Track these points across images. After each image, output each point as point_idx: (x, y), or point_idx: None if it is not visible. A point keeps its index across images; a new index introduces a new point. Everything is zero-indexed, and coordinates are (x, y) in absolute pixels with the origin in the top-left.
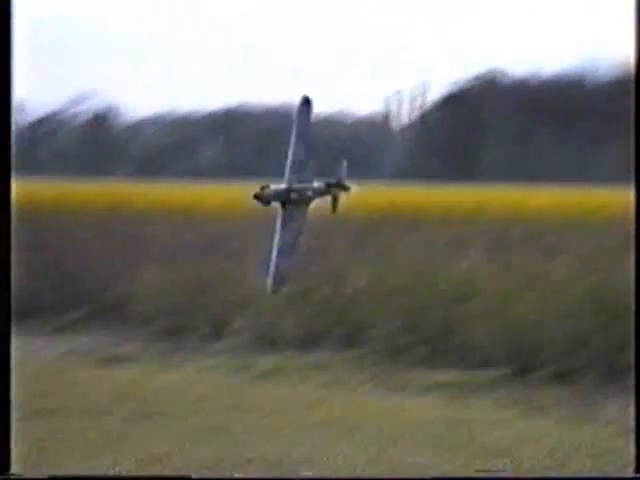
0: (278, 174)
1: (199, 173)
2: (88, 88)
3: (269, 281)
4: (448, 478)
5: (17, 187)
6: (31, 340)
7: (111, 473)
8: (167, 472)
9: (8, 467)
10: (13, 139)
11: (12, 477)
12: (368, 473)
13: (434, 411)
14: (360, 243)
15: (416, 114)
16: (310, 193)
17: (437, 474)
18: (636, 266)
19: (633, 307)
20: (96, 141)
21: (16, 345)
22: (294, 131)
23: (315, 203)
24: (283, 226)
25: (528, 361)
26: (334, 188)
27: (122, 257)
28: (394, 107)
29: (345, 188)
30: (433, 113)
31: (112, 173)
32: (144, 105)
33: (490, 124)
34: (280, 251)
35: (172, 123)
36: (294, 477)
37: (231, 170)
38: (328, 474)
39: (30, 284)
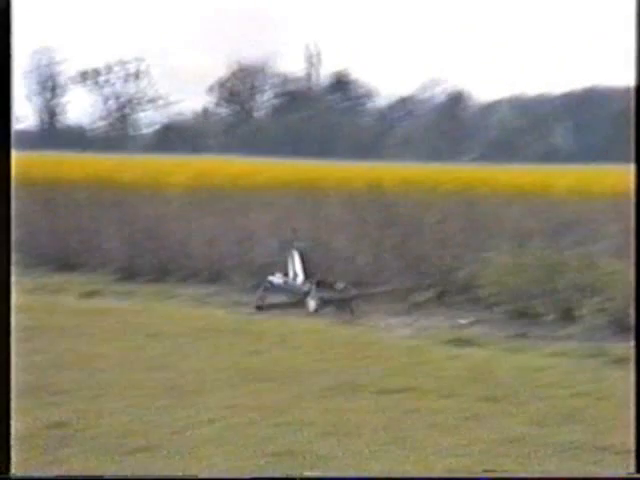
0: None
1: (550, 156)
2: (437, 74)
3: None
4: (447, 478)
5: (365, 170)
6: (382, 319)
7: (465, 452)
8: (521, 454)
9: (8, 468)
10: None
11: (12, 477)
12: None
13: None
14: None
15: None
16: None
17: None
18: (636, 252)
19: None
20: (446, 125)
21: (370, 324)
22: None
23: None
24: None
25: None
26: None
27: (470, 240)
28: None
29: None
30: None
31: (462, 157)
32: (495, 89)
33: None
34: None
35: (523, 106)
36: (295, 476)
37: (583, 153)
38: None
39: (381, 264)
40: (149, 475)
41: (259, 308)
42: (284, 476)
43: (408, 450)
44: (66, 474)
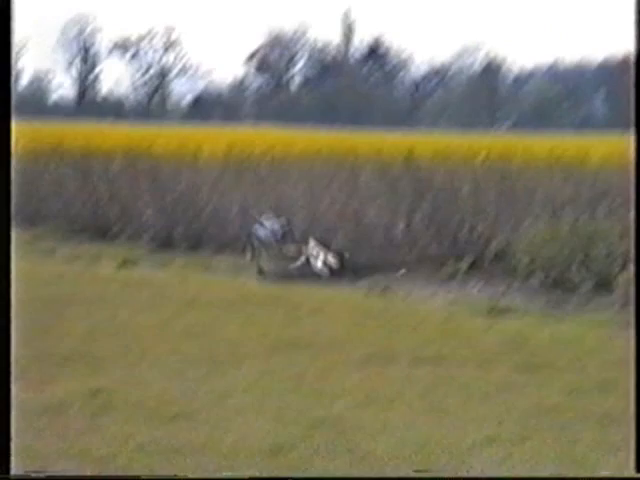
0: None
1: (586, 124)
2: (472, 42)
3: None
4: (448, 478)
5: (399, 140)
6: (416, 289)
7: (500, 421)
8: (557, 424)
9: (8, 468)
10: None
11: (12, 477)
12: None
13: None
14: None
15: None
16: None
17: None
18: (636, 223)
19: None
20: (482, 94)
21: (405, 294)
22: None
23: None
24: None
25: None
26: None
27: (504, 209)
28: None
29: None
30: None
31: (497, 126)
32: (530, 57)
33: None
34: None
35: (560, 74)
36: (292, 477)
37: (619, 121)
38: None
39: (414, 234)
40: (149, 475)
41: (260, 273)
42: (286, 476)
43: (443, 419)
44: (66, 474)
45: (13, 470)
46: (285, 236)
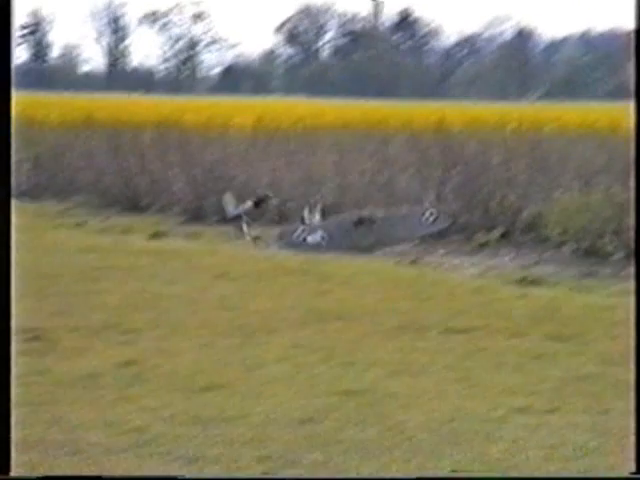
0: None
1: (618, 93)
2: (502, 12)
3: None
4: (447, 478)
5: (430, 110)
6: (447, 259)
7: (532, 391)
8: (590, 393)
9: (8, 468)
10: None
11: (12, 477)
12: None
13: None
14: None
15: None
16: None
17: None
18: (636, 188)
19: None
20: (513, 63)
21: (435, 264)
22: None
23: None
24: None
25: None
26: None
27: (536, 179)
28: None
29: None
30: None
31: (528, 95)
32: (562, 25)
33: None
34: None
35: (592, 43)
36: (292, 477)
37: None
38: None
39: (445, 204)
40: (148, 475)
41: (255, 239)
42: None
43: (475, 389)
44: (66, 474)
45: (13, 472)
46: (257, 208)
